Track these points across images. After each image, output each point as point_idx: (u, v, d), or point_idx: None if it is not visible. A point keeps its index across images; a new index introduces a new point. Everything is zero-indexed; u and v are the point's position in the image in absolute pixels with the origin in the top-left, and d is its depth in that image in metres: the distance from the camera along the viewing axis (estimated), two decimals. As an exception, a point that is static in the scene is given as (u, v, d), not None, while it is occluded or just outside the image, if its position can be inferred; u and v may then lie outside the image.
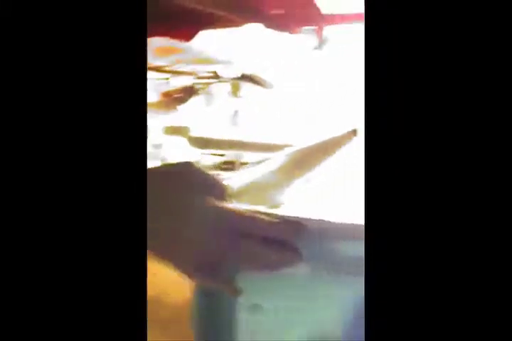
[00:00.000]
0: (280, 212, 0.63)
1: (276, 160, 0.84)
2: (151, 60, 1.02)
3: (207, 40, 1.07)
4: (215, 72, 2.69)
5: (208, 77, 2.75)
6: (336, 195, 0.72)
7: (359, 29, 0.89)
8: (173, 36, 1.03)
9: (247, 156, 1.36)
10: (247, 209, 0.59)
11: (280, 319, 0.65)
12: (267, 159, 0.82)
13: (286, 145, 0.93)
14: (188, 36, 0.99)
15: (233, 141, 2.65)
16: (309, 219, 0.60)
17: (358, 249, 0.56)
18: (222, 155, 2.49)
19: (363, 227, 0.49)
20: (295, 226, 0.58)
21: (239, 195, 0.66)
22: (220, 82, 2.74)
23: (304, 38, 0.96)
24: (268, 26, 0.93)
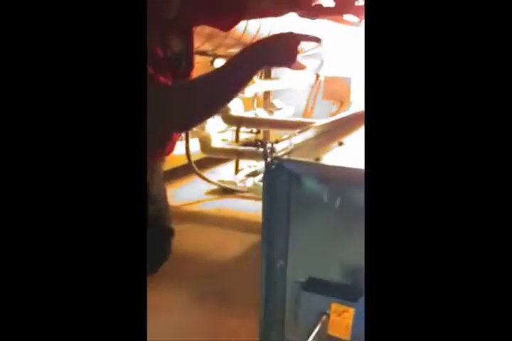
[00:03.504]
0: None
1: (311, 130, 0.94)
2: (198, 45, 1.14)
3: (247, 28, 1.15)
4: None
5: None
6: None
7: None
8: (217, 25, 1.14)
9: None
10: None
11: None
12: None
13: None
14: (230, 25, 1.10)
15: (264, 119, 2.80)
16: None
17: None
18: (256, 132, 2.67)
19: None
20: None
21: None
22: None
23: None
24: (302, 16, 1.03)
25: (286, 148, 0.80)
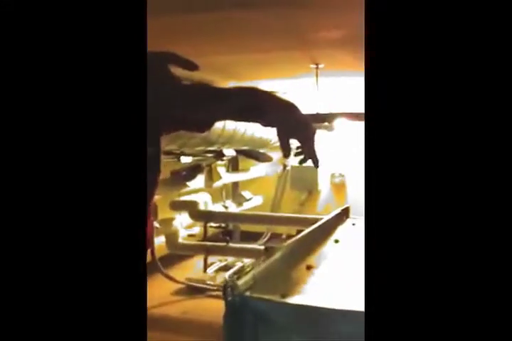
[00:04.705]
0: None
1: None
2: (162, 146, 1.14)
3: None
4: (217, 152, 2.89)
5: (213, 156, 2.92)
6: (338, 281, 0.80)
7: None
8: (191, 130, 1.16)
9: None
10: None
11: None
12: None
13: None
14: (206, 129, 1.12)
15: (232, 213, 2.82)
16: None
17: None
18: (223, 227, 2.65)
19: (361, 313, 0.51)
20: None
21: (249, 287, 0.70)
22: (221, 159, 2.92)
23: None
24: (264, 126, 1.04)
25: (249, 282, 0.73)
